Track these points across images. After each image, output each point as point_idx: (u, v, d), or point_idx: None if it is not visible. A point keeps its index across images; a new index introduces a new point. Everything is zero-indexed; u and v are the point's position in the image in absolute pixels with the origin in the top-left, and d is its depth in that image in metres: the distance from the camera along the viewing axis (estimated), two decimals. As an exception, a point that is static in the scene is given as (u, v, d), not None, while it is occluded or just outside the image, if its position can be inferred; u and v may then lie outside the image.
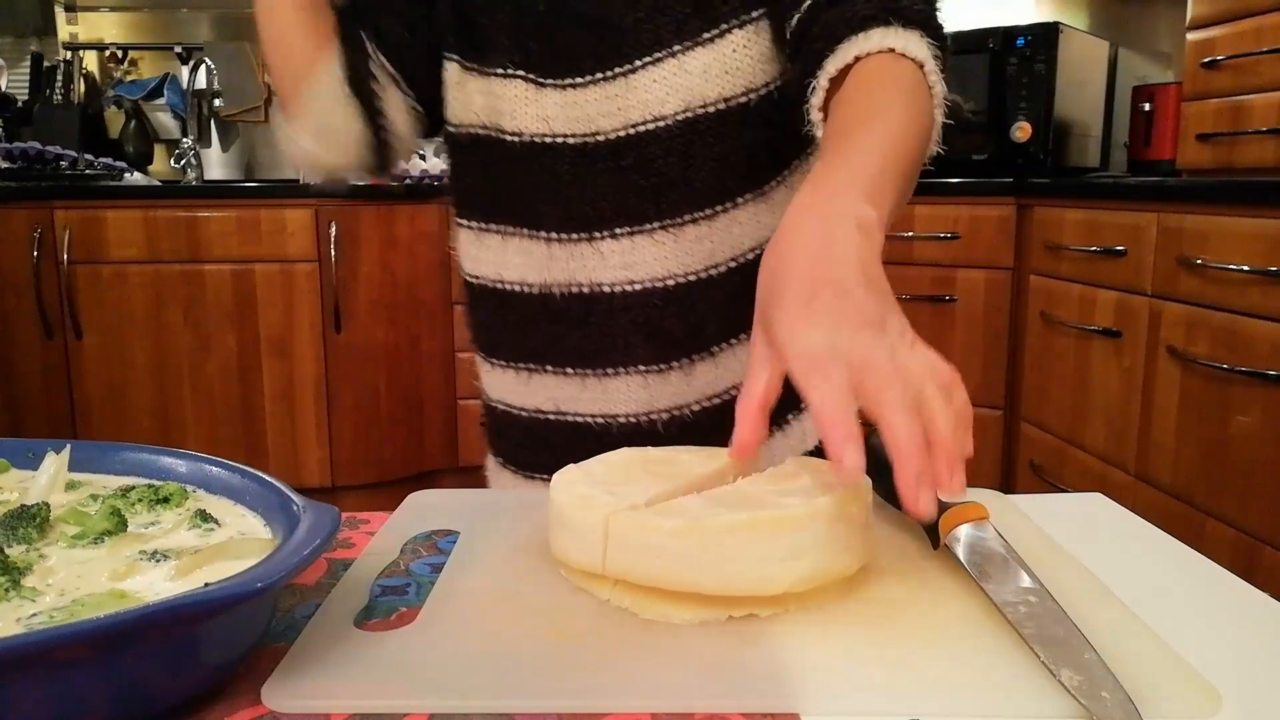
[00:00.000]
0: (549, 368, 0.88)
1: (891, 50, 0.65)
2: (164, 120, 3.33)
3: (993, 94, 2.43)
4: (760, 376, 0.51)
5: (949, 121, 0.69)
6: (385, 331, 2.75)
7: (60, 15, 3.27)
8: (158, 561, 0.48)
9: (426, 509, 0.68)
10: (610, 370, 0.86)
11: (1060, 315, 2.08)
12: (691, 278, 0.84)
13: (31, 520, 0.50)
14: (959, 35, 2.56)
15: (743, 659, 0.45)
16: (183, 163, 3.22)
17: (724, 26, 0.79)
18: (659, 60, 0.80)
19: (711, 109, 0.81)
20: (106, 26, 3.32)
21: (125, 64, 3.33)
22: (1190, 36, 2.01)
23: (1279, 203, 1.53)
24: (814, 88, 0.67)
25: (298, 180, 3.07)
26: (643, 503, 0.54)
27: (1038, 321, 2.18)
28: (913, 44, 0.66)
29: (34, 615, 0.42)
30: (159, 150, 3.33)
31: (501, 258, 0.88)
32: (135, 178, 3.07)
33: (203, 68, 3.24)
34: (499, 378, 0.93)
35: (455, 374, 2.85)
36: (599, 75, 0.81)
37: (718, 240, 0.84)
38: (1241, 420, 1.58)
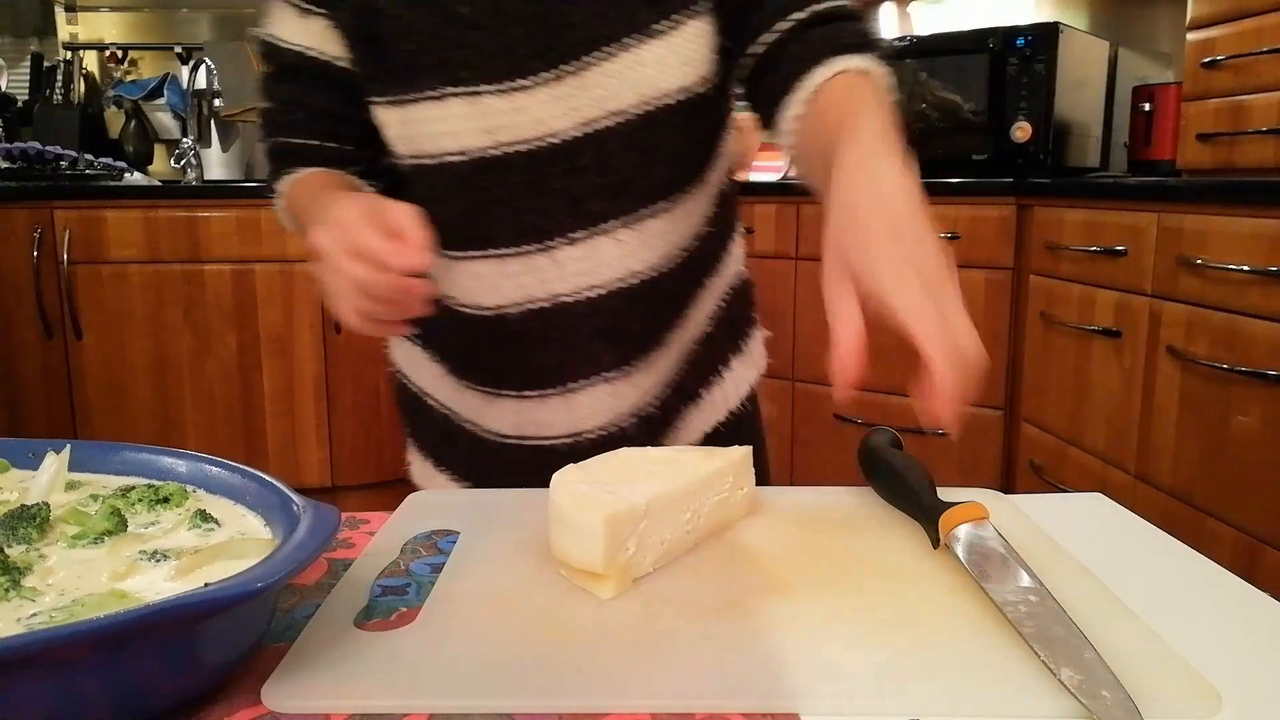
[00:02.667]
0: (507, 392, 0.86)
1: (867, 73, 0.73)
2: (164, 120, 3.33)
3: (993, 94, 2.42)
4: (852, 312, 0.53)
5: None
6: (385, 331, 2.75)
7: (60, 15, 3.27)
8: (158, 561, 0.48)
9: (426, 509, 0.68)
10: (574, 384, 0.84)
11: (1060, 315, 2.08)
12: (651, 273, 0.83)
13: (31, 520, 0.50)
14: (959, 35, 2.56)
15: (743, 659, 0.45)
16: (183, 163, 3.22)
17: (676, 18, 0.77)
18: (612, 54, 0.76)
19: (671, 100, 0.79)
20: (106, 26, 3.32)
21: (125, 64, 3.33)
22: (1190, 36, 2.01)
23: (1279, 203, 1.52)
24: (793, 100, 0.73)
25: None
26: (643, 503, 0.54)
27: (1038, 321, 2.17)
28: (883, 72, 0.74)
29: (34, 615, 0.42)
30: (159, 150, 3.33)
31: (452, 284, 0.85)
32: (135, 178, 3.07)
33: (203, 68, 3.24)
34: (457, 394, 0.91)
35: (455, 374, 2.85)
36: (547, 74, 0.76)
37: (673, 232, 0.84)
38: (1241, 420, 1.58)
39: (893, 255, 0.52)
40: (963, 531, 0.56)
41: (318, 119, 0.86)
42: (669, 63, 0.77)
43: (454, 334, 0.88)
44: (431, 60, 0.77)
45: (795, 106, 0.73)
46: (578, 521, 0.53)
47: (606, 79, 0.77)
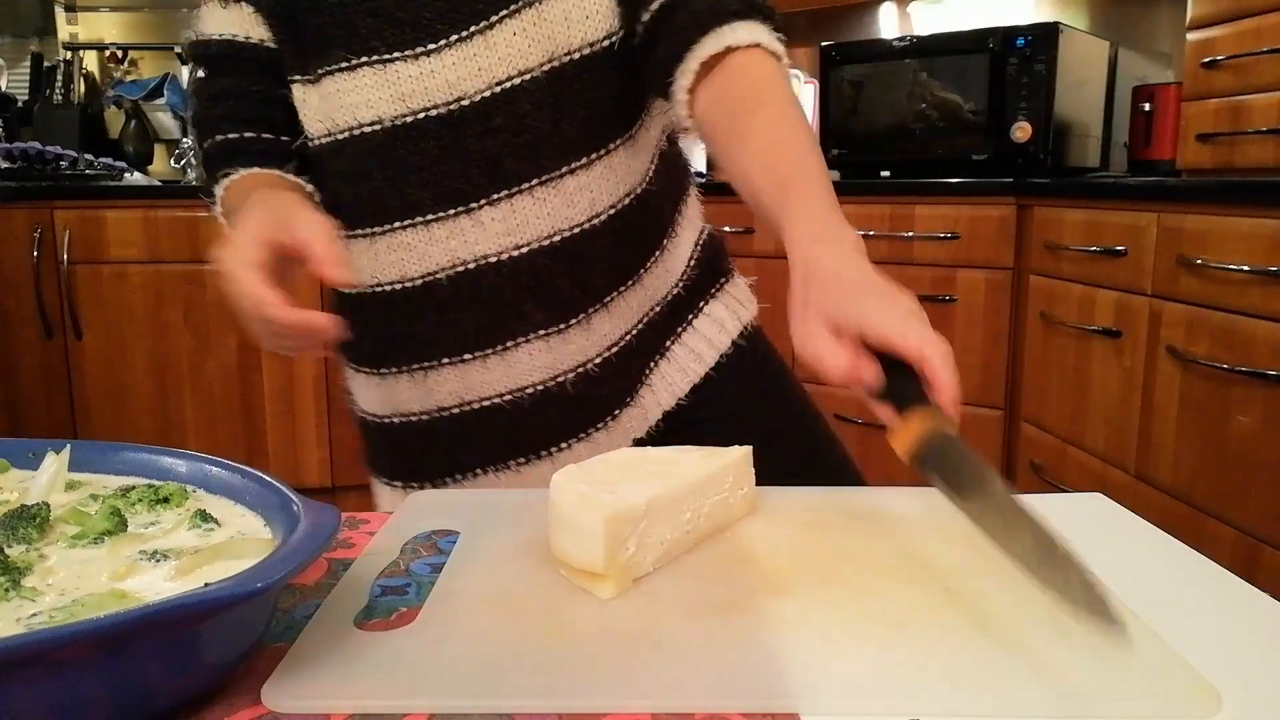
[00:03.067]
0: (445, 360, 0.86)
1: (758, 45, 0.76)
2: (164, 120, 3.33)
3: (993, 94, 2.42)
4: (838, 350, 0.59)
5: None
6: (385, 331, 2.75)
7: (60, 15, 3.27)
8: (158, 561, 0.48)
9: (426, 509, 0.68)
10: (511, 343, 0.85)
11: (1060, 315, 2.08)
12: (576, 230, 0.84)
13: (31, 520, 0.50)
14: (959, 35, 2.56)
15: (743, 659, 0.45)
16: (183, 163, 3.22)
17: None
18: (516, 11, 0.78)
19: (577, 55, 0.80)
20: (106, 26, 3.32)
21: (125, 64, 3.33)
22: (1190, 36, 2.01)
23: (1279, 203, 1.52)
24: (683, 70, 0.77)
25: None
26: (643, 503, 0.54)
27: (1038, 321, 2.17)
28: (773, 40, 0.78)
29: (34, 615, 0.42)
30: (159, 150, 3.33)
31: (374, 261, 0.86)
32: (135, 178, 3.07)
33: (203, 68, 3.23)
34: (389, 388, 0.91)
35: (455, 374, 2.84)
36: (454, 37, 0.78)
37: (597, 189, 0.84)
38: (1241, 420, 1.58)
39: (879, 301, 0.59)
40: (929, 442, 0.55)
41: (250, 105, 0.86)
42: (573, 17, 0.79)
43: (378, 318, 0.88)
44: (341, 31, 0.80)
45: (686, 78, 0.77)
46: (578, 521, 0.53)
47: (513, 37, 0.78)
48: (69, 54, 3.23)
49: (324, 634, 0.48)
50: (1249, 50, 1.85)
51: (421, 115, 0.80)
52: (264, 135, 0.86)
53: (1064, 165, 2.46)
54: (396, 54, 0.79)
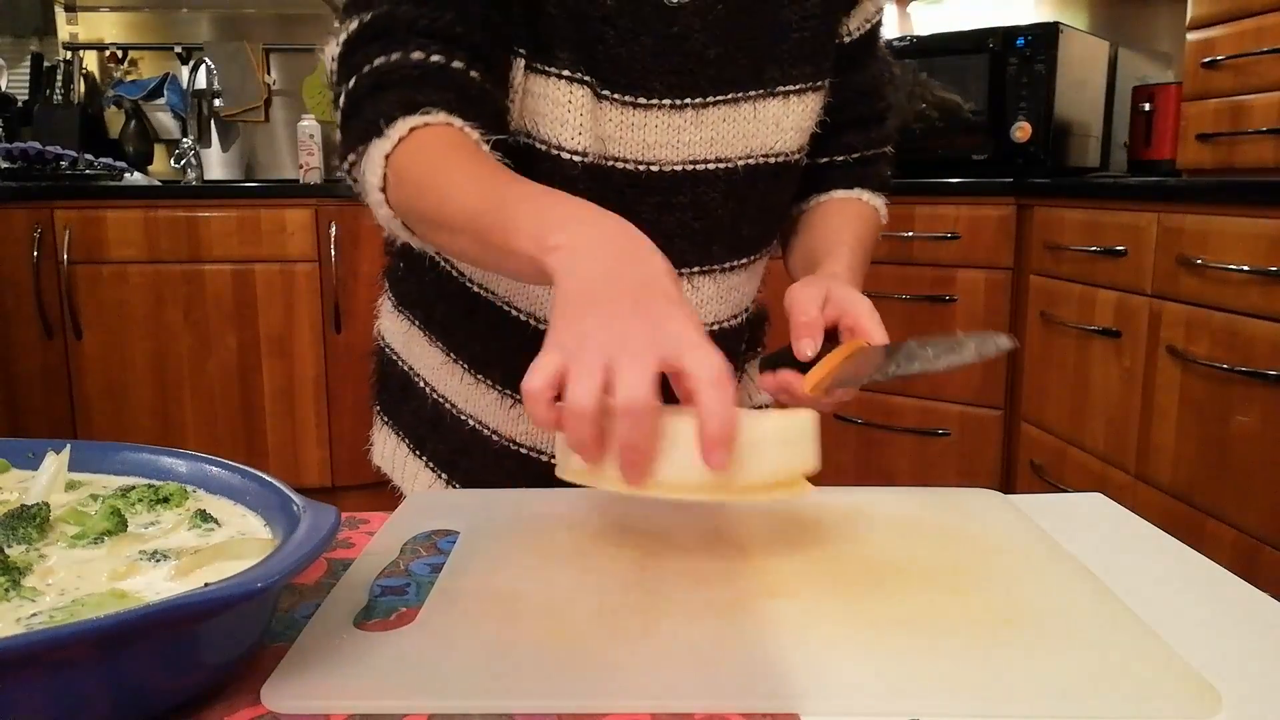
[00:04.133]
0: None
1: (875, 210, 0.90)
2: (164, 120, 3.33)
3: (993, 94, 2.42)
4: (818, 310, 0.69)
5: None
6: (385, 331, 2.75)
7: (60, 15, 3.27)
8: (158, 561, 0.48)
9: (426, 509, 0.68)
10: None
11: (1060, 315, 2.08)
12: (715, 328, 0.83)
13: (31, 520, 0.50)
14: (959, 35, 2.56)
15: (743, 659, 0.45)
16: (183, 163, 3.22)
17: (800, 86, 0.79)
18: (735, 101, 0.77)
19: (773, 160, 0.80)
20: (106, 26, 3.32)
21: (125, 64, 3.33)
22: (1190, 36, 2.01)
23: (1279, 203, 1.52)
24: (813, 202, 0.90)
25: (297, 180, 3.07)
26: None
27: (1038, 321, 2.17)
28: (885, 212, 0.92)
29: (34, 615, 0.42)
30: (159, 150, 3.33)
31: (514, 282, 0.80)
32: (135, 178, 3.07)
33: (203, 68, 3.24)
34: (479, 393, 0.87)
35: (455, 374, 2.84)
36: (665, 101, 0.75)
37: (743, 290, 0.85)
38: (1241, 420, 1.58)
39: (864, 300, 0.70)
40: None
41: (466, 22, 0.69)
42: (783, 125, 0.79)
43: (490, 330, 0.84)
44: (572, 35, 0.72)
45: (806, 204, 0.90)
46: (777, 430, 0.52)
47: (721, 123, 0.77)
48: (69, 54, 3.23)
49: (324, 634, 0.48)
50: (1249, 50, 1.85)
51: (612, 164, 0.76)
52: (473, 70, 0.68)
53: (1064, 165, 2.46)
54: (607, 93, 0.74)
